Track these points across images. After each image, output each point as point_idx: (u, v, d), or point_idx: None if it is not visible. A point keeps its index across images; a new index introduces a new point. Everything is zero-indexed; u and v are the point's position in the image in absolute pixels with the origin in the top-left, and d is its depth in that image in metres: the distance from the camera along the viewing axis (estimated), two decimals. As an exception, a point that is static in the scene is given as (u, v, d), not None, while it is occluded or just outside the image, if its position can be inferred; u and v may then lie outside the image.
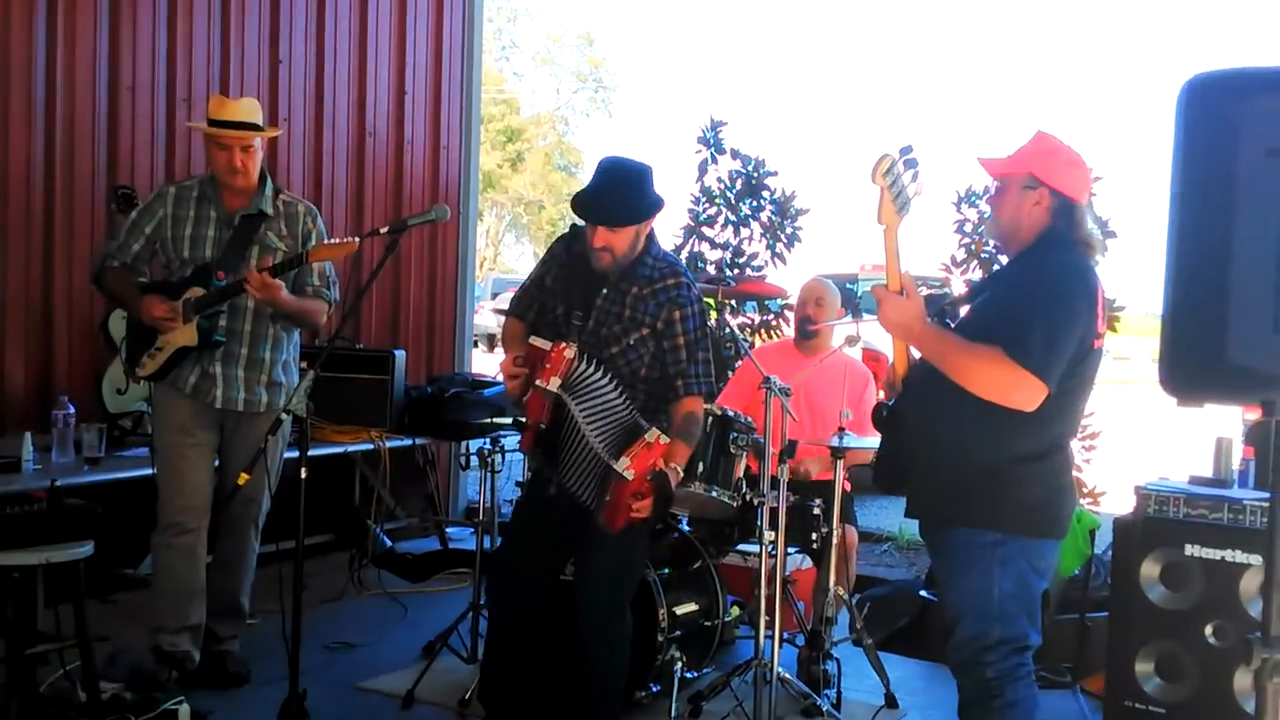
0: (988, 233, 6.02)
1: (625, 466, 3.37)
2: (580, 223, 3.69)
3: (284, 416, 3.77)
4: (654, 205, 3.57)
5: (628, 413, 3.50)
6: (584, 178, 38.65)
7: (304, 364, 4.48)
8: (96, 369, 5.37)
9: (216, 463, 4.41)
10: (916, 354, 3.17)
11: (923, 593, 5.41)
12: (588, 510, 3.51)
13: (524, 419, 3.55)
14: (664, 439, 3.43)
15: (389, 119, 7.18)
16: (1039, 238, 3.10)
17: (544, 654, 3.85)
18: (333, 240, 4.12)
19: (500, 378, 3.64)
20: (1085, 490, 6.11)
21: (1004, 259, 3.37)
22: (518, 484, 4.50)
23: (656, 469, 3.40)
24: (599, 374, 3.48)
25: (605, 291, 3.59)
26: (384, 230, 3.82)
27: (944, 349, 3.01)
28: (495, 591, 3.92)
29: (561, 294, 3.64)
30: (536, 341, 3.49)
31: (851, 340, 4.66)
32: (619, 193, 3.54)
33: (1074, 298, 2.97)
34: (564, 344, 3.46)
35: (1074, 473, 5.63)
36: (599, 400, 3.48)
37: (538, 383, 3.43)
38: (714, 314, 7.07)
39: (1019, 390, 2.89)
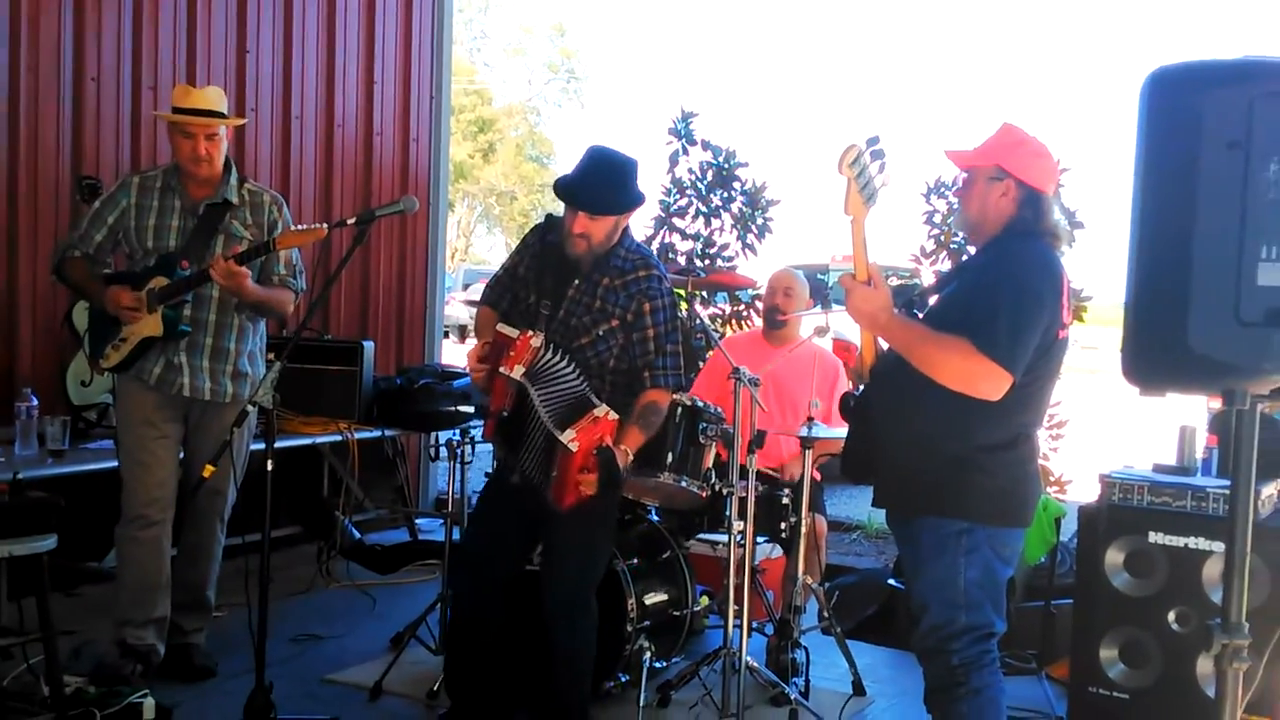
0: (956, 224, 6.05)
1: (570, 438, 3.39)
2: (555, 213, 3.69)
3: (249, 408, 3.75)
4: (636, 199, 3.60)
5: (581, 388, 3.51)
6: (556, 168, 38.65)
7: (270, 355, 4.46)
8: (60, 361, 5.32)
9: (181, 455, 4.37)
10: (885, 344, 3.19)
11: (891, 581, 5.44)
12: (547, 494, 3.52)
13: (487, 411, 3.55)
14: (612, 415, 3.45)
15: (357, 110, 7.13)
16: (1006, 228, 3.12)
17: (510, 643, 3.84)
18: (300, 226, 4.09)
19: (468, 366, 3.63)
20: (1052, 479, 6.15)
21: (972, 250, 3.38)
22: (486, 475, 4.50)
23: (603, 444, 3.41)
24: (564, 363, 3.49)
25: (577, 282, 3.59)
26: (351, 221, 3.80)
27: (910, 339, 3.02)
28: (459, 581, 3.92)
29: (534, 283, 3.64)
30: (503, 329, 3.50)
31: (821, 330, 4.68)
32: (604, 182, 3.56)
33: (1040, 288, 2.99)
34: (530, 332, 3.46)
35: (1040, 461, 5.69)
36: (559, 386, 3.49)
37: (501, 369, 3.44)
38: (685, 305, 7.08)
39: (985, 380, 2.91)
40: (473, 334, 3.87)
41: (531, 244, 3.73)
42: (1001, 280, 2.99)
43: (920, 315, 3.18)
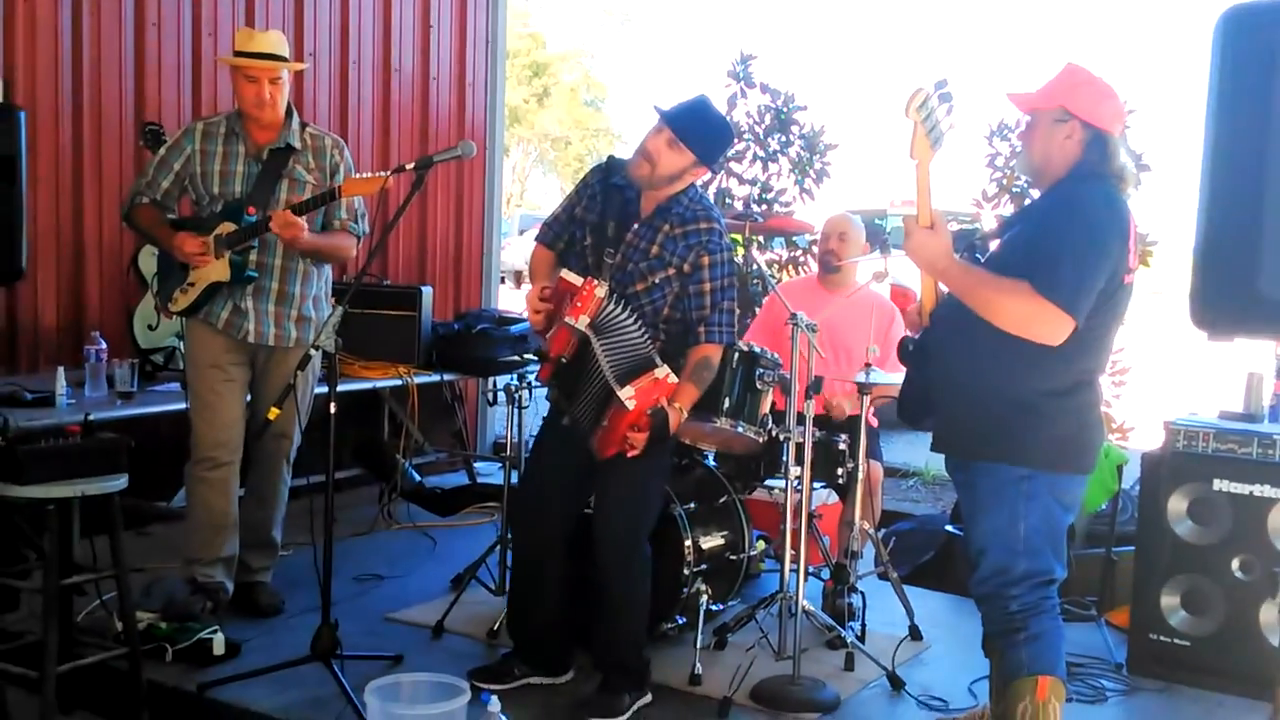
0: (1019, 168, 5.95)
1: (629, 396, 3.40)
2: (618, 156, 3.67)
3: (313, 352, 3.80)
4: (713, 152, 3.59)
5: (646, 349, 3.51)
6: (611, 113, 38.35)
7: (333, 300, 4.52)
8: (127, 305, 5.42)
9: (249, 398, 4.45)
10: (944, 289, 3.16)
11: (948, 527, 5.43)
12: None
13: (545, 350, 3.55)
14: (673, 378, 3.45)
15: (414, 55, 7.13)
16: (1071, 171, 3.06)
17: (570, 585, 3.89)
18: (363, 175, 4.11)
19: (525, 310, 3.64)
20: (1114, 426, 6.09)
21: (1036, 193, 3.34)
22: (543, 419, 4.53)
23: (658, 405, 3.41)
24: (626, 314, 3.49)
25: (636, 226, 3.58)
26: (410, 166, 3.82)
27: (970, 283, 2.99)
28: (518, 524, 3.97)
29: (593, 226, 3.63)
30: (568, 275, 3.49)
31: (879, 276, 4.63)
32: (701, 117, 3.57)
33: (1105, 231, 2.94)
34: (595, 281, 3.45)
35: (1103, 408, 5.64)
36: (623, 339, 3.49)
37: (566, 319, 3.44)
38: (741, 250, 7.06)
39: (1046, 324, 2.88)
40: (528, 276, 3.86)
41: (592, 184, 3.70)
42: (1066, 224, 2.95)
43: (982, 260, 3.14)
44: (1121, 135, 3.15)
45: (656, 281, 3.56)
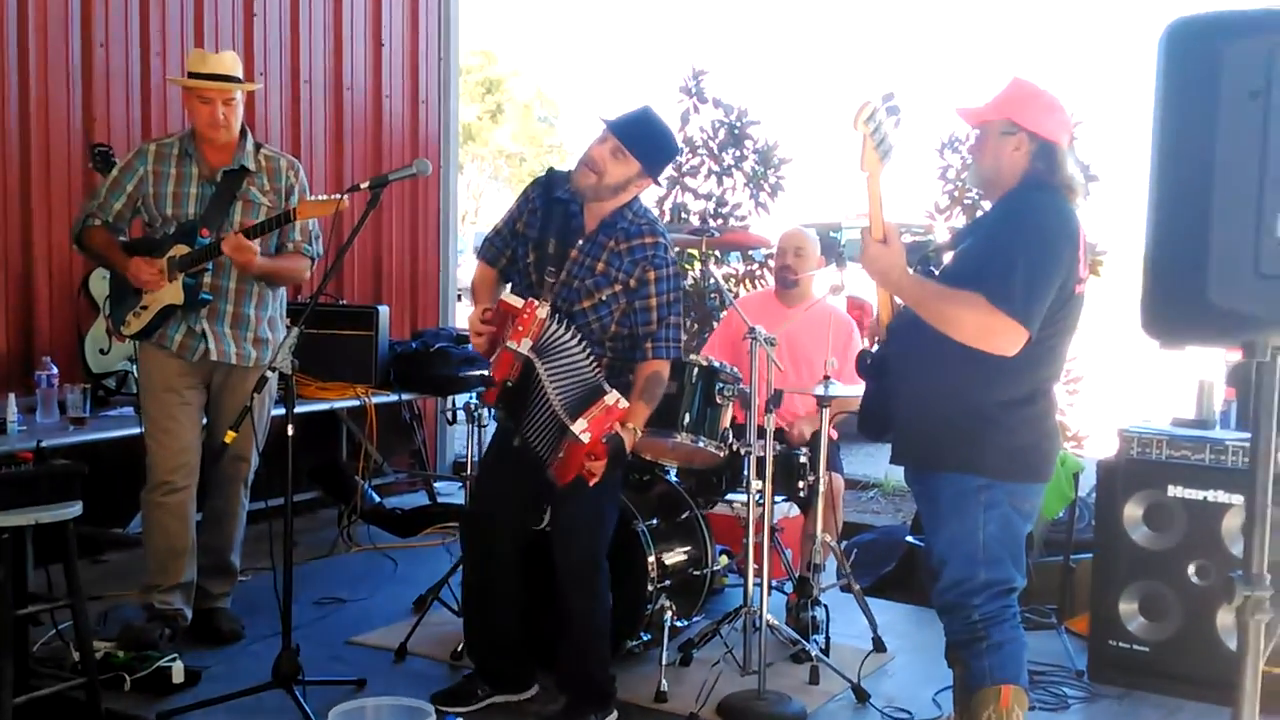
0: (970, 180, 6.01)
1: (583, 429, 3.38)
2: (559, 167, 3.65)
3: (269, 374, 3.77)
4: (658, 162, 3.57)
5: (593, 374, 3.49)
6: (564, 129, 38.33)
7: (288, 321, 4.48)
8: (78, 329, 5.35)
9: (204, 421, 4.40)
10: (900, 302, 3.18)
11: (909, 538, 5.46)
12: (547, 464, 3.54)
13: (490, 373, 3.52)
14: (623, 403, 3.43)
15: (366, 72, 7.10)
16: (1020, 182, 3.10)
17: (528, 603, 3.88)
18: (318, 197, 4.09)
19: (470, 331, 3.61)
20: (1069, 434, 6.15)
21: (987, 205, 3.37)
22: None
23: (612, 431, 3.41)
24: (569, 335, 3.47)
25: (580, 243, 3.56)
26: (365, 185, 3.80)
27: (925, 296, 3.02)
28: (470, 543, 3.92)
29: (535, 241, 3.60)
30: (508, 299, 3.47)
31: (835, 289, 4.67)
32: (648, 128, 3.55)
33: (1055, 241, 2.98)
34: (536, 303, 3.43)
35: (1058, 416, 5.68)
36: (567, 361, 3.47)
37: (509, 343, 3.41)
38: (698, 264, 7.07)
39: (1000, 336, 2.90)
40: (470, 296, 3.82)
41: (532, 198, 3.66)
42: (1016, 234, 2.98)
43: (935, 273, 3.17)
44: (1069, 146, 3.19)
45: (603, 298, 3.54)
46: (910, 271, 3.04)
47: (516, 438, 3.60)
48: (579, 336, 3.49)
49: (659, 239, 3.59)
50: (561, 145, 38.04)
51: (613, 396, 3.42)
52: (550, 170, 3.70)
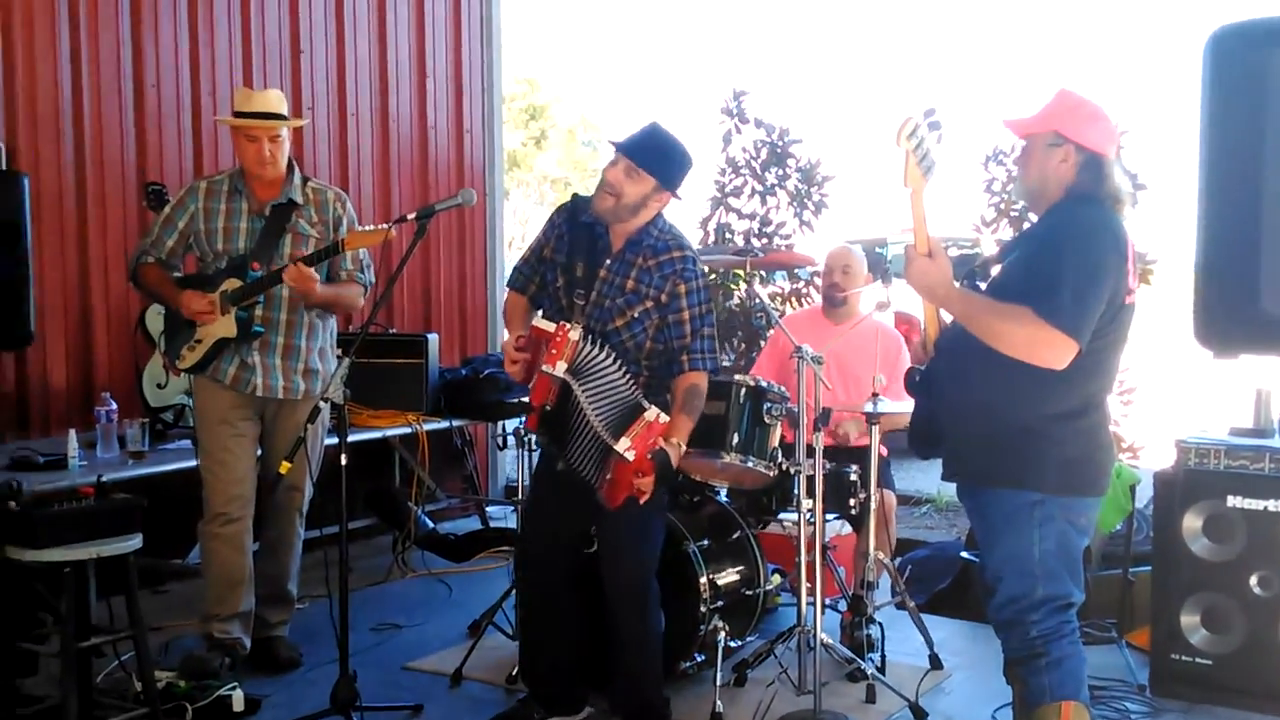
0: (1015, 193, 5.98)
1: (626, 448, 3.39)
2: (582, 193, 3.69)
3: (322, 404, 3.81)
4: (673, 175, 3.57)
5: (630, 392, 3.51)
6: (608, 153, 38.57)
7: (339, 351, 4.54)
8: (136, 365, 5.44)
9: (259, 452, 4.46)
10: (948, 317, 3.17)
11: (964, 554, 5.41)
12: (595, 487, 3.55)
13: (529, 399, 3.53)
14: (664, 418, 3.44)
15: (411, 104, 7.19)
16: (1066, 194, 3.08)
17: (580, 622, 3.89)
18: (366, 227, 4.15)
19: (505, 360, 3.63)
20: (1124, 446, 6.08)
21: (1034, 217, 3.35)
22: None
23: (657, 448, 3.42)
24: (604, 355, 3.48)
25: (609, 263, 3.58)
26: (412, 216, 3.85)
27: (972, 310, 3.00)
28: (522, 566, 3.95)
29: (563, 266, 3.63)
30: (540, 324, 3.49)
31: (882, 306, 4.64)
32: (654, 142, 3.57)
33: (1103, 253, 2.95)
34: (568, 325, 3.45)
35: (1112, 428, 5.61)
36: (604, 381, 3.48)
37: (544, 367, 3.43)
38: (744, 284, 7.08)
39: (1050, 349, 2.88)
40: (504, 324, 3.84)
41: (558, 224, 3.69)
42: (1063, 246, 2.96)
43: (983, 286, 3.15)
44: (1116, 157, 3.17)
45: (636, 315, 3.56)
46: (957, 285, 3.03)
47: (560, 462, 3.62)
48: (614, 356, 3.51)
49: (686, 252, 3.61)
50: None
51: (653, 412, 3.44)
52: (575, 196, 3.73)
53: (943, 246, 3.02)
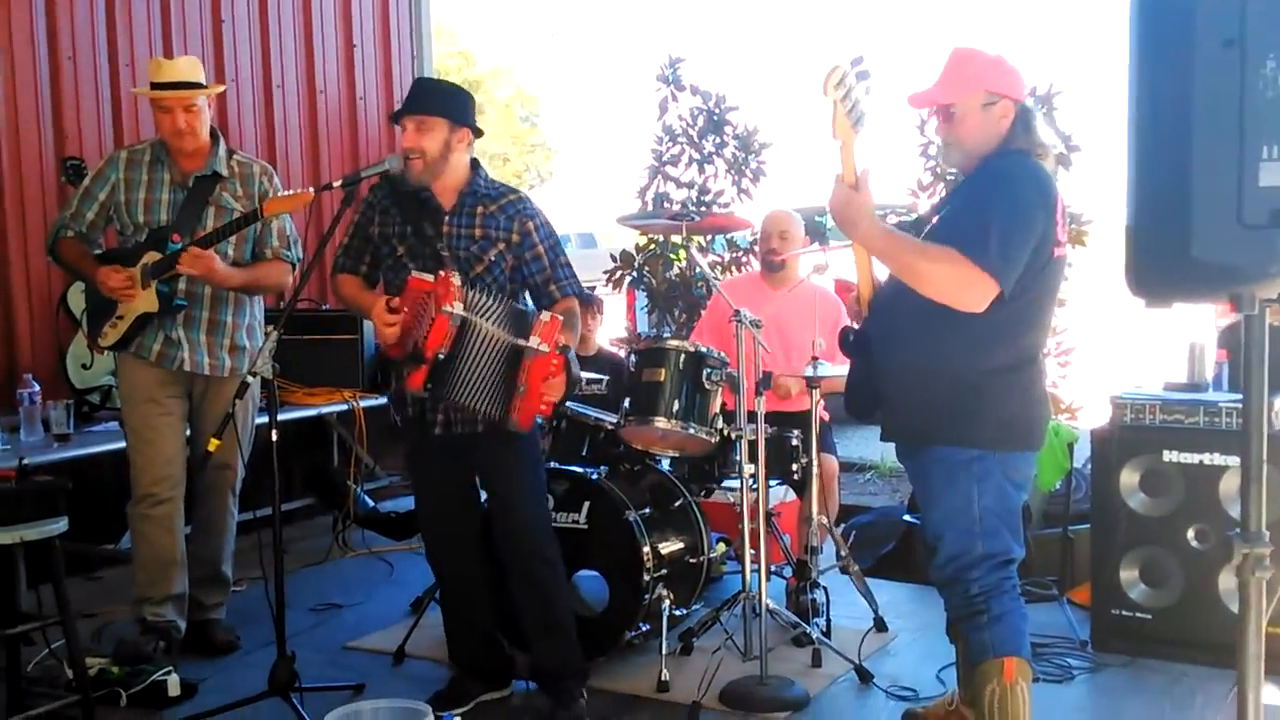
0: (947, 162, 5.94)
1: (538, 343, 3.39)
2: (392, 173, 3.63)
3: (250, 379, 3.73)
4: (457, 108, 3.60)
5: (515, 310, 3.54)
6: (545, 127, 38.25)
7: (269, 328, 4.43)
8: (59, 345, 5.30)
9: (188, 431, 4.36)
10: (881, 277, 3.14)
11: (906, 517, 5.43)
12: (477, 440, 3.57)
13: (417, 353, 3.43)
14: (557, 317, 3.47)
15: (339, 75, 7.06)
16: (998, 148, 3.06)
17: (494, 592, 3.89)
18: (286, 192, 4.05)
19: (378, 327, 3.55)
20: (1063, 406, 6.12)
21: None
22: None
23: (561, 342, 3.43)
24: (484, 295, 3.48)
25: (448, 218, 3.59)
26: (337, 184, 3.74)
27: (896, 248, 2.97)
28: (429, 546, 3.91)
29: (399, 235, 3.63)
30: (418, 276, 3.46)
31: (820, 269, 4.62)
32: (427, 88, 3.72)
33: (1029, 201, 2.94)
34: (444, 272, 3.43)
35: (1050, 389, 5.64)
36: (492, 313, 3.48)
37: (444, 309, 3.37)
38: (683, 253, 7.03)
39: (973, 289, 2.86)
40: (349, 305, 3.82)
41: (378, 201, 3.68)
42: (992, 193, 2.95)
43: (920, 241, 3.13)
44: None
45: (492, 258, 3.60)
46: (881, 223, 2.99)
47: (437, 425, 3.60)
48: (491, 291, 3.54)
49: (520, 194, 3.71)
50: (544, 143, 37.98)
51: (545, 314, 3.47)
52: (384, 176, 3.66)
53: (869, 180, 2.96)
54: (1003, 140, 3.06)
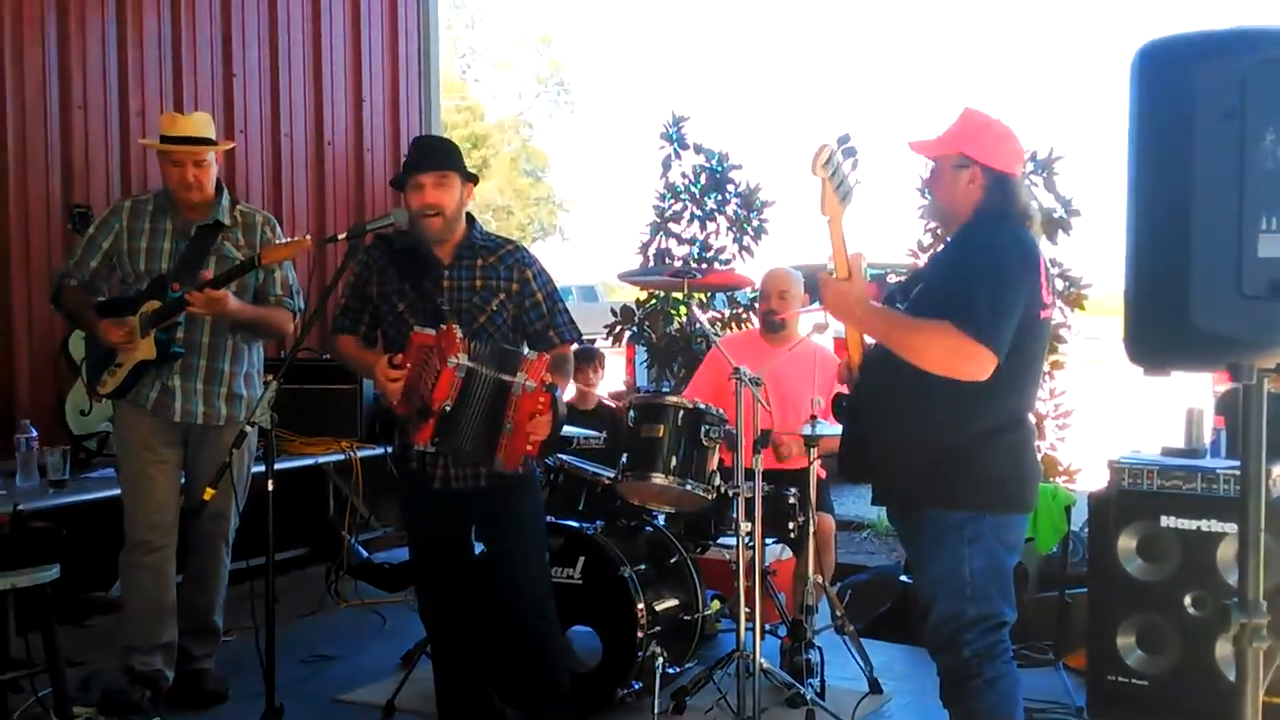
0: (927, 215, 6.01)
1: (524, 379, 3.40)
2: (386, 232, 3.68)
3: (248, 429, 3.72)
4: (461, 162, 3.67)
5: (502, 348, 3.54)
6: (551, 181, 38.52)
7: (269, 376, 4.43)
8: (59, 391, 5.30)
9: (183, 480, 4.35)
10: (871, 341, 3.16)
11: (903, 578, 5.41)
12: (479, 494, 3.57)
13: (424, 407, 3.44)
14: (544, 356, 3.49)
15: (347, 127, 7.12)
16: (975, 215, 3.10)
17: (485, 648, 3.84)
18: (283, 240, 4.07)
19: (381, 384, 3.55)
20: (1060, 469, 6.11)
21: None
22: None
23: (548, 381, 3.44)
24: (483, 345, 3.50)
25: (447, 272, 3.62)
26: (342, 236, 3.77)
27: (890, 327, 3.01)
28: (423, 604, 3.89)
29: (398, 292, 3.64)
30: (421, 331, 3.48)
31: (820, 328, 4.64)
32: (434, 145, 3.80)
33: (1015, 268, 2.97)
34: (445, 325, 3.46)
35: (1048, 451, 5.63)
36: (487, 355, 3.49)
37: (450, 360, 3.39)
38: (684, 309, 7.05)
39: (969, 360, 2.87)
40: (350, 365, 3.86)
41: (373, 261, 3.69)
42: (976, 263, 2.97)
43: (902, 308, 3.15)
44: (1022, 176, 3.20)
45: (494, 309, 3.63)
46: (874, 304, 3.02)
47: (437, 479, 3.59)
48: (490, 342, 3.56)
49: (517, 244, 3.78)
50: (549, 196, 38.22)
51: (532, 353, 3.49)
52: (376, 236, 3.71)
53: (861, 267, 3.01)
54: (977, 206, 3.08)
